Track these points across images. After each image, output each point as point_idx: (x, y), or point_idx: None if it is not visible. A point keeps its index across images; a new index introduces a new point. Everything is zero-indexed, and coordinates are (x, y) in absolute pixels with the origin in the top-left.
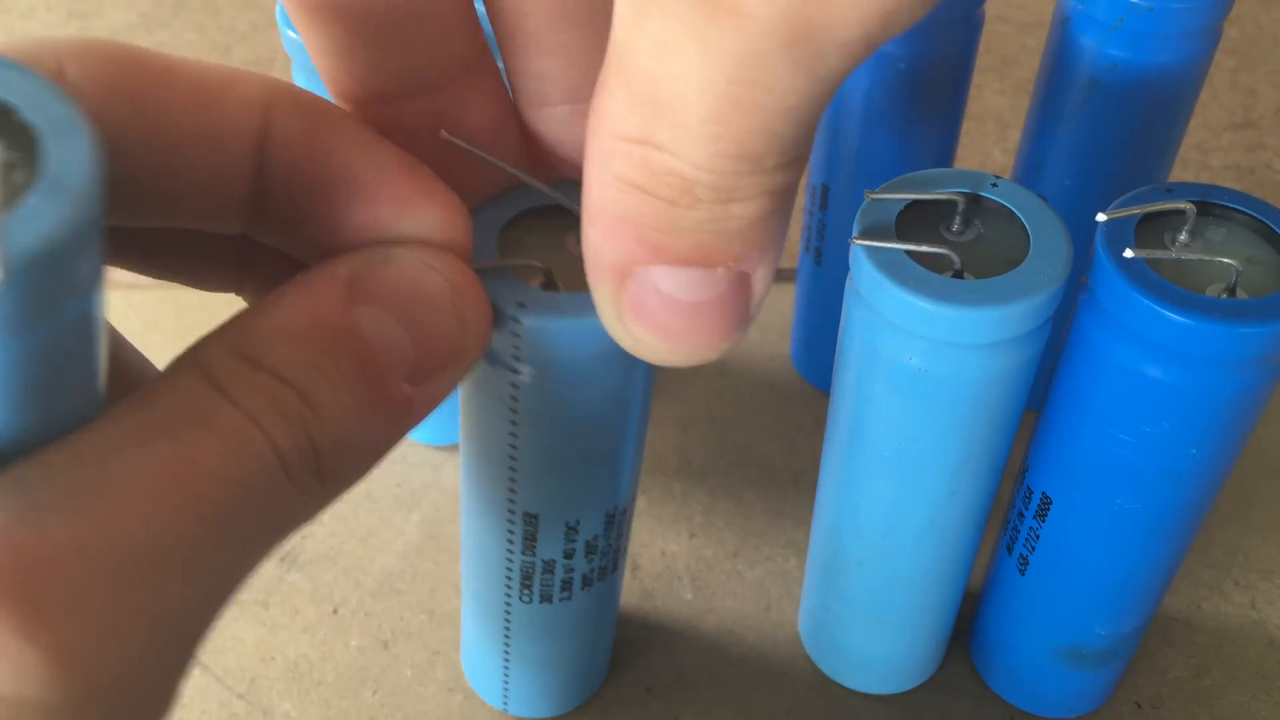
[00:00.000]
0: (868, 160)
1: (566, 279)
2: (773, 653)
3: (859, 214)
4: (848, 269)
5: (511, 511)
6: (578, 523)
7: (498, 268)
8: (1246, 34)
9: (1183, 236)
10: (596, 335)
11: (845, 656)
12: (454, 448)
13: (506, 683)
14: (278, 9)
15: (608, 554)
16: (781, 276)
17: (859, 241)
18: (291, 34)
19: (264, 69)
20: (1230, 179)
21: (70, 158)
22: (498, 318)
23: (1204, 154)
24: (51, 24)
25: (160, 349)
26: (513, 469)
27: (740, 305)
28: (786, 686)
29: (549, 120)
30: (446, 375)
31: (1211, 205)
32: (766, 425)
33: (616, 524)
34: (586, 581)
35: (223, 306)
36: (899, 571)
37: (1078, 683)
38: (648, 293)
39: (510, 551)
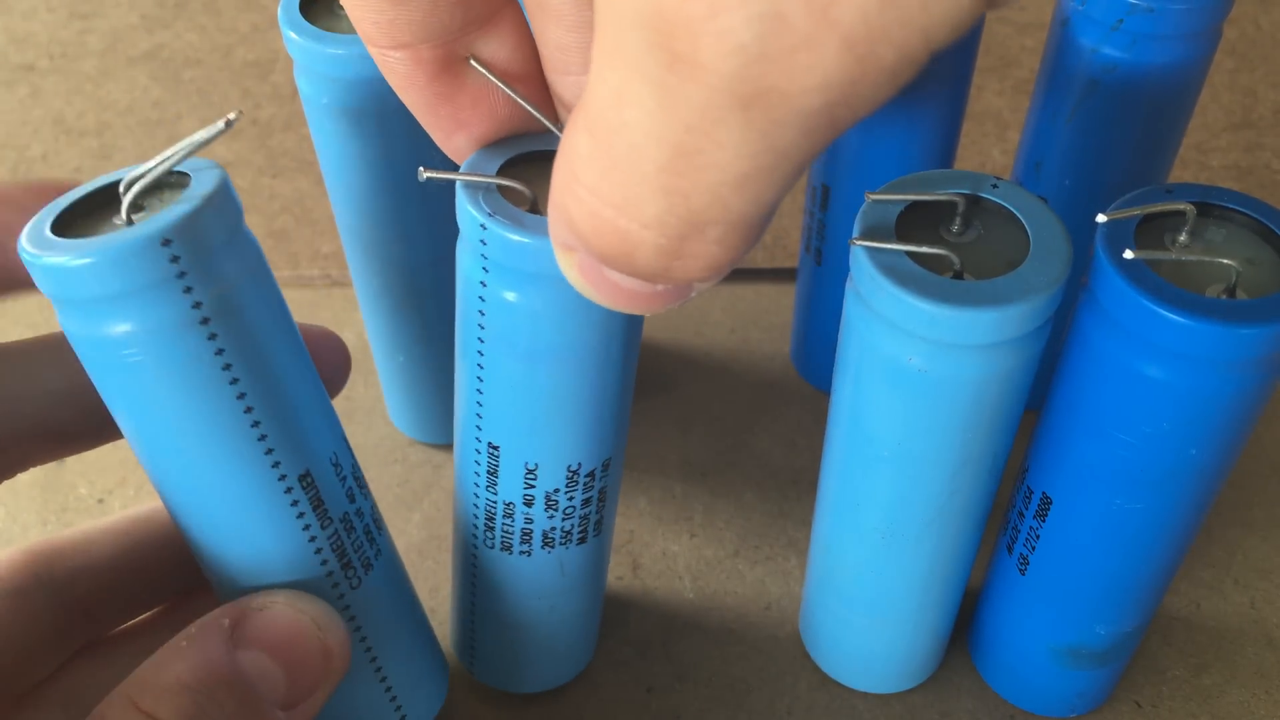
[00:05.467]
0: (868, 161)
1: None
2: (773, 652)
3: (859, 215)
4: (848, 270)
5: (479, 439)
6: (536, 466)
7: (486, 183)
8: (1246, 35)
9: (1182, 237)
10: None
11: (845, 656)
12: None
13: (473, 643)
14: (279, 10)
15: (571, 516)
16: (781, 277)
17: (859, 242)
18: (293, 35)
19: (265, 70)
20: (1230, 179)
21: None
22: (469, 228)
23: (1203, 154)
24: (53, 24)
25: None
26: (479, 390)
27: (680, 296)
28: (786, 686)
29: (572, 87)
30: (315, 697)
31: (1211, 206)
32: (766, 425)
33: (580, 485)
34: (547, 540)
35: None
36: (899, 571)
37: (1078, 682)
38: (592, 268)
39: (477, 486)
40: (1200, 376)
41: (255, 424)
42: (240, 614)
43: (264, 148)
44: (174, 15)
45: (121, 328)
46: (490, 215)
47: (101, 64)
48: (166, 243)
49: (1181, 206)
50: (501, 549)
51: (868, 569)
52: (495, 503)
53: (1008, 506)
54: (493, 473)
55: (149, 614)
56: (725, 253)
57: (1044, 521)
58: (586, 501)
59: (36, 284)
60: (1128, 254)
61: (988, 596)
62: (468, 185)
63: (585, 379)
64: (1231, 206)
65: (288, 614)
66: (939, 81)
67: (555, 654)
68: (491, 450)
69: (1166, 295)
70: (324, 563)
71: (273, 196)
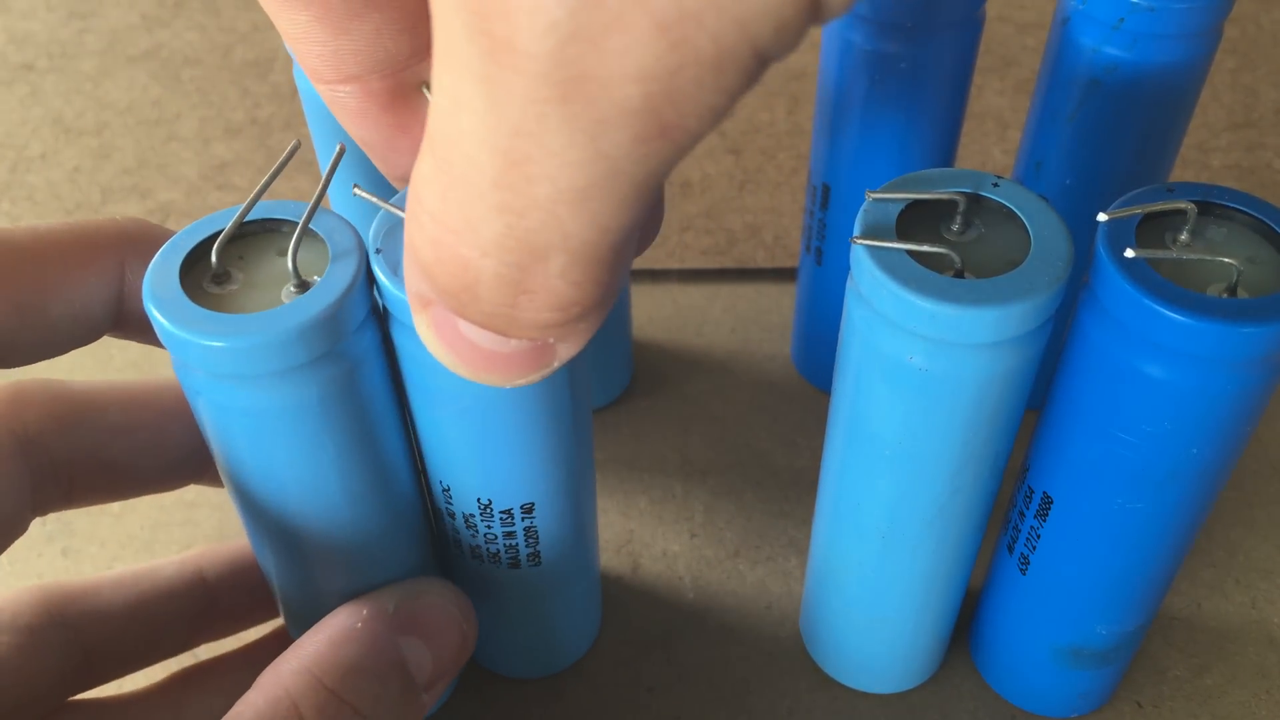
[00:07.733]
0: (868, 160)
1: None
2: (773, 652)
3: (860, 214)
4: (848, 269)
5: (412, 443)
6: (449, 489)
7: (398, 216)
8: (1246, 34)
9: (1184, 236)
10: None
11: (846, 656)
12: None
13: None
14: None
15: (494, 543)
16: (782, 276)
17: (860, 241)
18: None
19: (264, 69)
20: (1230, 179)
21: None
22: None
23: (1204, 154)
24: (52, 24)
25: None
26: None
27: (540, 361)
28: (787, 686)
29: None
30: (448, 679)
31: (1212, 205)
32: (767, 425)
33: (497, 519)
34: (475, 555)
35: None
36: (900, 571)
37: (1079, 682)
38: (447, 324)
39: (420, 479)
40: (1202, 376)
41: (406, 431)
42: (402, 600)
43: (264, 147)
44: (174, 15)
45: (325, 375)
46: (377, 252)
47: (101, 63)
48: (371, 282)
49: (1182, 205)
50: (441, 544)
51: (868, 569)
52: (431, 505)
53: (1009, 506)
54: (424, 475)
55: (134, 691)
56: (571, 290)
57: (1045, 521)
58: (509, 534)
59: (197, 365)
60: (1129, 253)
61: (988, 596)
62: (385, 215)
63: (480, 426)
64: (1232, 205)
65: (439, 603)
66: (939, 81)
67: (510, 649)
68: (420, 460)
69: (1168, 294)
70: (451, 545)
71: (273, 196)
